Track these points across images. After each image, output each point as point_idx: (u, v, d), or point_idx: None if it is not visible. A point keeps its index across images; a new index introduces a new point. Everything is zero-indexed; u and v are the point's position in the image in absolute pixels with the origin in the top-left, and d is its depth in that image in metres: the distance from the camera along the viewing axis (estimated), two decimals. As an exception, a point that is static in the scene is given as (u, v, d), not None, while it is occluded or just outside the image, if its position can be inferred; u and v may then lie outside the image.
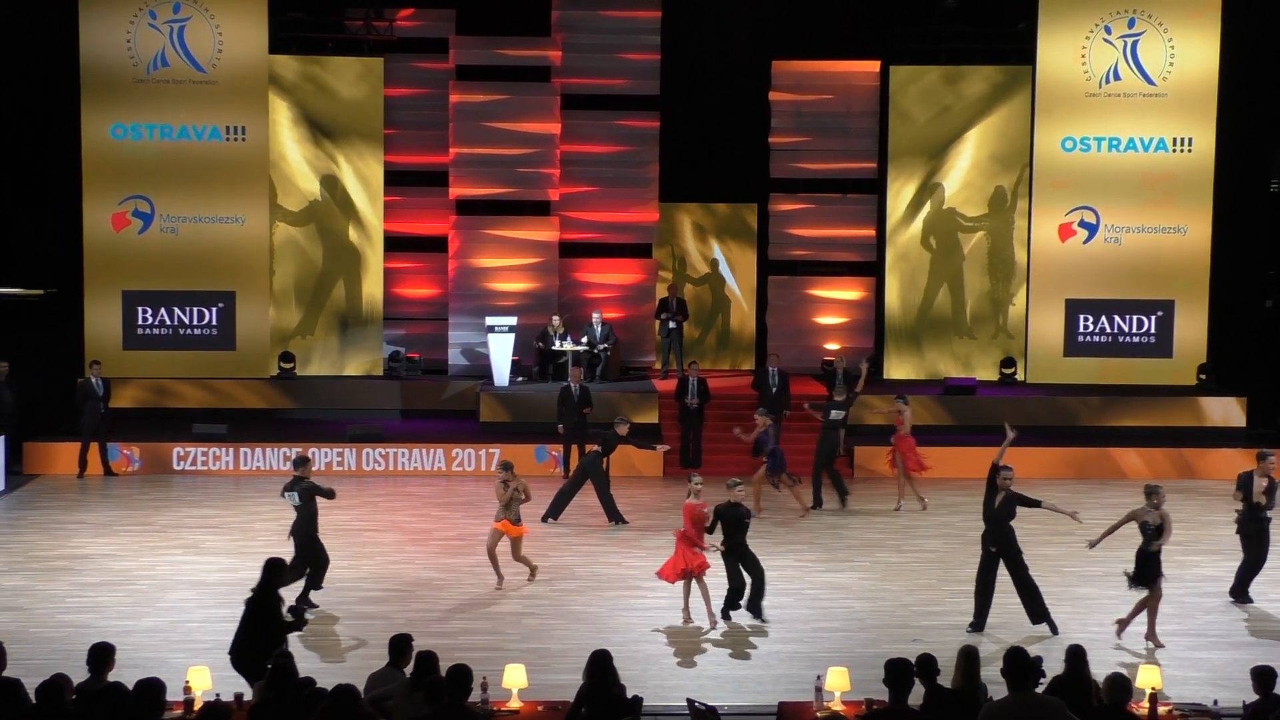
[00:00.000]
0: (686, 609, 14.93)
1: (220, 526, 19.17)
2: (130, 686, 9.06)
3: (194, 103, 25.13)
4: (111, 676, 9.71)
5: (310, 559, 15.32)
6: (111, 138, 25.04)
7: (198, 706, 10.14)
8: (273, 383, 25.47)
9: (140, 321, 25.32)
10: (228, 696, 10.40)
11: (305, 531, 15.28)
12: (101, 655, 9.84)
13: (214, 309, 25.43)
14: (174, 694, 9.70)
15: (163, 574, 16.73)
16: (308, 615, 14.01)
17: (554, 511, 19.61)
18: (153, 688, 8.97)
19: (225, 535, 18.72)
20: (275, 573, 11.97)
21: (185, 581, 16.40)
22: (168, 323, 25.41)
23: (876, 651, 13.70)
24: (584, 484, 19.74)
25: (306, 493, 15.19)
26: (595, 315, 25.54)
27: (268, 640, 11.30)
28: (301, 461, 15.60)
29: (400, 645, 10.36)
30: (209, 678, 10.47)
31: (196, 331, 25.49)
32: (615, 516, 19.51)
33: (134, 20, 24.90)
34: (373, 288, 26.27)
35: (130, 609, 15.30)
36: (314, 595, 15.31)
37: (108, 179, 25.11)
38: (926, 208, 26.63)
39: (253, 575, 16.36)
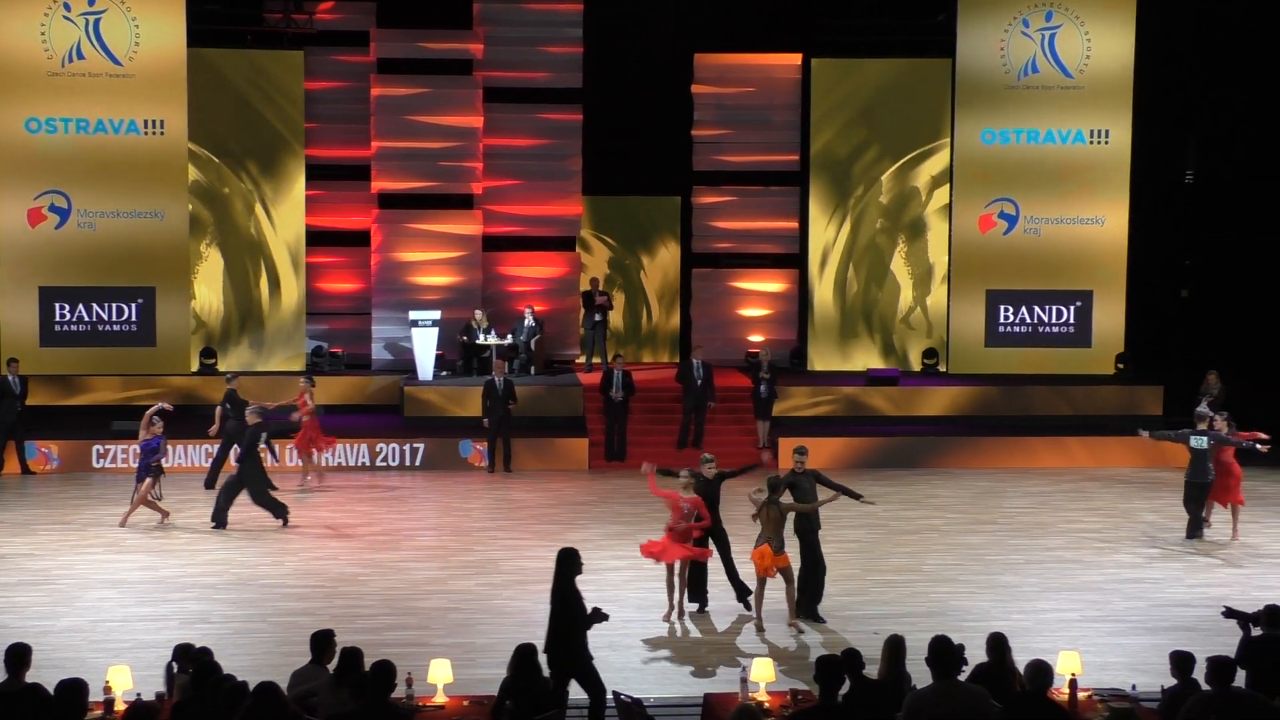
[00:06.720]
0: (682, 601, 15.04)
1: (140, 525, 18.94)
2: (49, 688, 8.93)
3: (111, 96, 24.79)
4: (29, 677, 9.57)
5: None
6: (26, 131, 24.63)
7: (118, 707, 10.02)
8: (194, 379, 25.21)
9: (58, 318, 24.98)
10: (149, 696, 10.29)
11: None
12: (18, 656, 9.67)
13: (133, 305, 25.13)
14: (94, 694, 9.58)
15: (82, 573, 16.51)
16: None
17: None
18: (74, 689, 8.86)
19: (145, 533, 18.51)
20: (568, 563, 11.52)
21: (105, 580, 16.20)
22: (86, 319, 25.07)
23: (801, 642, 13.78)
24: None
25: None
26: (527, 311, 25.47)
27: (574, 632, 11.18)
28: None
29: (322, 641, 10.28)
30: (129, 677, 10.33)
31: (116, 328, 25.17)
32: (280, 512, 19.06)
33: (48, 12, 24.51)
34: (295, 282, 26.08)
35: (48, 608, 15.09)
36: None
37: (23, 173, 24.71)
38: (847, 200, 26.78)
39: (173, 573, 16.41)
